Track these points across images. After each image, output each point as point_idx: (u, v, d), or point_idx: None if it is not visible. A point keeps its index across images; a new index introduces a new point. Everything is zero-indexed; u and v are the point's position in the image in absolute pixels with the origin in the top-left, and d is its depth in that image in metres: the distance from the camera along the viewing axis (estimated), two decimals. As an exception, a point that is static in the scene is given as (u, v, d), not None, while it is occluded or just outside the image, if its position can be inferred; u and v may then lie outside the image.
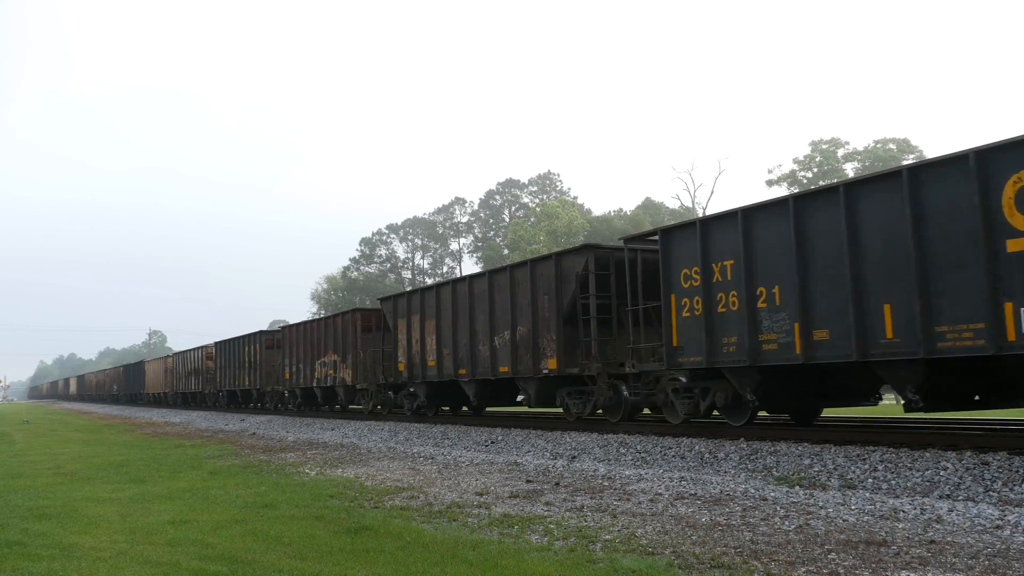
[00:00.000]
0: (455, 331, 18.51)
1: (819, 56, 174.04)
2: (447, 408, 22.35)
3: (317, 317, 26.98)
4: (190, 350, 44.37)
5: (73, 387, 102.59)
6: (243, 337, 34.77)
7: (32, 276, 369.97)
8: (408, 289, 20.60)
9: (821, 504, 7.57)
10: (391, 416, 22.46)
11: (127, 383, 63.20)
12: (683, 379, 12.93)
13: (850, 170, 67.27)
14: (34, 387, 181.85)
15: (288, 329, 29.64)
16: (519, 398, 17.50)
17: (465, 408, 22.37)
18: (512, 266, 16.95)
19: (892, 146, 67.32)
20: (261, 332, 33.06)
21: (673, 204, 79.27)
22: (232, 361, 36.01)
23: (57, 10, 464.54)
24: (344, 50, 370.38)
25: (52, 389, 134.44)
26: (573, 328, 15.05)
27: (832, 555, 5.56)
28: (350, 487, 9.78)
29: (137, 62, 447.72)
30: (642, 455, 11.70)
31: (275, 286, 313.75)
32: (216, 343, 39.09)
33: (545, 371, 15.59)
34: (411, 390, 21.19)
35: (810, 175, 68.54)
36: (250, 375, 33.41)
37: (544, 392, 16.28)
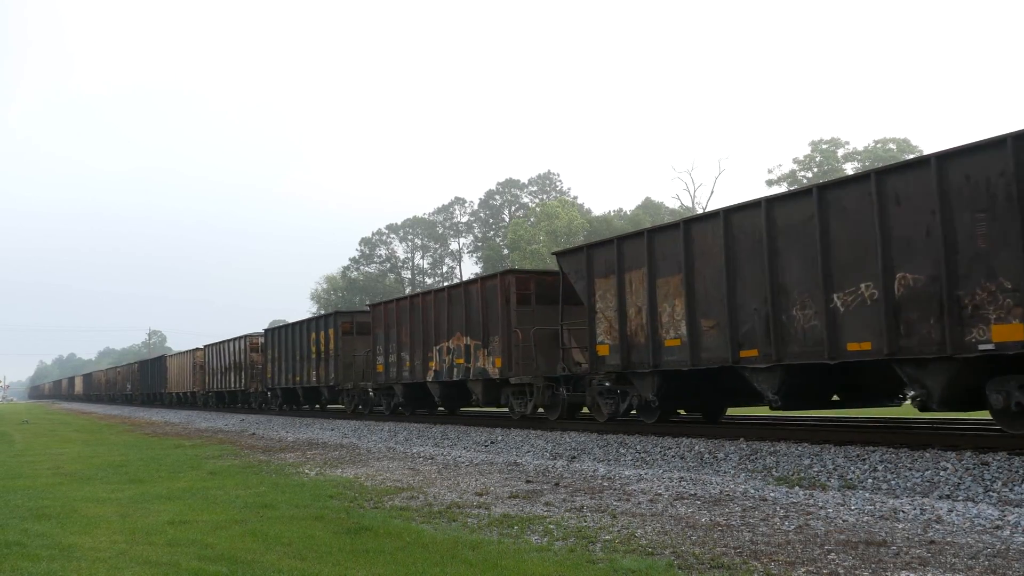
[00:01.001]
0: (731, 289, 11.87)
1: (819, 56, 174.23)
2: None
3: (436, 287, 20.54)
4: (228, 341, 37.04)
5: (79, 386, 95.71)
6: (307, 321, 28.39)
7: (32, 276, 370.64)
8: (618, 235, 14.46)
9: (821, 504, 7.57)
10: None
11: (144, 381, 56.91)
12: None
13: (850, 170, 67.28)
14: (35, 387, 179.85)
15: (384, 307, 22.32)
16: (908, 395, 10.59)
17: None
18: (879, 172, 10.07)
19: (892, 146, 67.34)
20: (337, 313, 26.32)
21: (673, 204, 79.38)
22: (290, 352, 28.96)
23: (57, 10, 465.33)
24: (344, 50, 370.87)
25: (55, 389, 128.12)
26: None
27: (832, 555, 5.56)
28: (350, 487, 9.77)
29: (137, 62, 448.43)
30: (642, 455, 11.70)
31: (275, 286, 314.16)
32: (267, 330, 32.55)
33: (986, 346, 8.84)
34: (605, 384, 14.46)
35: (810, 175, 68.55)
36: (319, 369, 26.55)
37: (964, 383, 9.51)
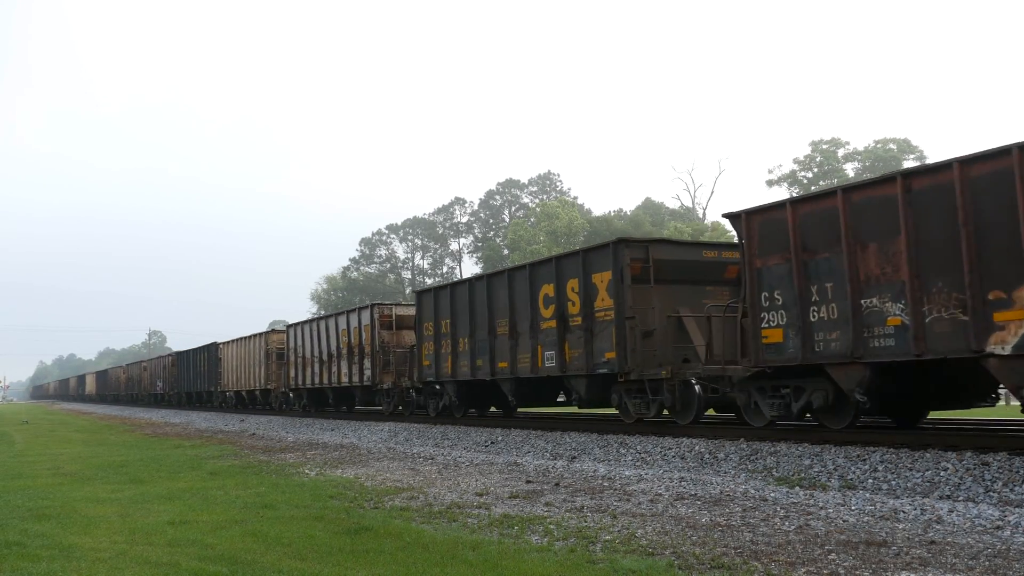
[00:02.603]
0: None
1: (819, 56, 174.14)
2: None
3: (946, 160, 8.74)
4: (336, 315, 26.16)
5: (90, 385, 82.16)
6: (531, 267, 16.30)
7: (32, 277, 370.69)
8: None
9: (821, 504, 7.57)
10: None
11: (182, 378, 44.87)
12: None
13: (850, 170, 67.34)
14: (38, 386, 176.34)
15: (791, 211, 10.64)
16: None
17: None
18: None
19: (892, 146, 67.40)
20: (621, 241, 14.12)
21: (673, 204, 79.45)
22: (482, 322, 17.37)
23: (63, 11, 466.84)
24: (344, 50, 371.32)
25: (61, 388, 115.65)
26: None
27: (832, 555, 5.56)
28: (350, 487, 9.77)
29: (137, 62, 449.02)
30: (642, 455, 11.70)
31: (275, 286, 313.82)
32: (422, 291, 20.56)
33: None
34: None
35: (810, 175, 68.57)
36: (563, 348, 14.97)
37: None
